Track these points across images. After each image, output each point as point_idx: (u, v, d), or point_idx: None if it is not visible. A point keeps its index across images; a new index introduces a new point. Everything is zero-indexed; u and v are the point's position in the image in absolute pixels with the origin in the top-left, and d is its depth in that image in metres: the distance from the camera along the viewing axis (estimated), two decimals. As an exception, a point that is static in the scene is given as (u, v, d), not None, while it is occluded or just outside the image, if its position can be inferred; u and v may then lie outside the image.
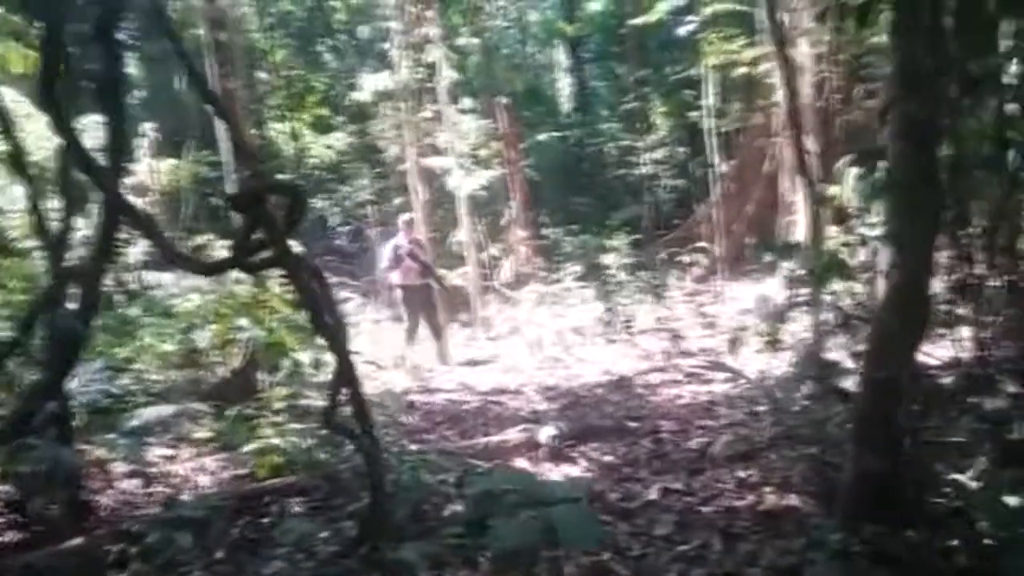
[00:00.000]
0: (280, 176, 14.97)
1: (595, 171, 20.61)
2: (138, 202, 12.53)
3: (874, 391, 3.16)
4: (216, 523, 4.39)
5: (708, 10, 12.87)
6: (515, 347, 10.29)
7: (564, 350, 9.71)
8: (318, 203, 20.27)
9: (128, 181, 12.89)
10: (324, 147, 19.11)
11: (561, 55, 25.11)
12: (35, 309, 2.88)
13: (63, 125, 2.73)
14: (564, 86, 25.45)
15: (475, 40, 14.93)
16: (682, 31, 14.01)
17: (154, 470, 5.54)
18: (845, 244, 5.57)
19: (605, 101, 23.60)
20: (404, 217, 10.36)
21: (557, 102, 24.85)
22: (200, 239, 8.41)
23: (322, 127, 20.52)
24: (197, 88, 3.02)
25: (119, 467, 5.58)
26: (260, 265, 3.17)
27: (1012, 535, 2.99)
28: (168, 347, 7.66)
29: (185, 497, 5.24)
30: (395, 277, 9.63)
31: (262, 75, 20.57)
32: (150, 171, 12.92)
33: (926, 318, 3.12)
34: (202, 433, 6.19)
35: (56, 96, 2.73)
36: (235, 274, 8.19)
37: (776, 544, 3.67)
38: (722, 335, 9.82)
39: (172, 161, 11.57)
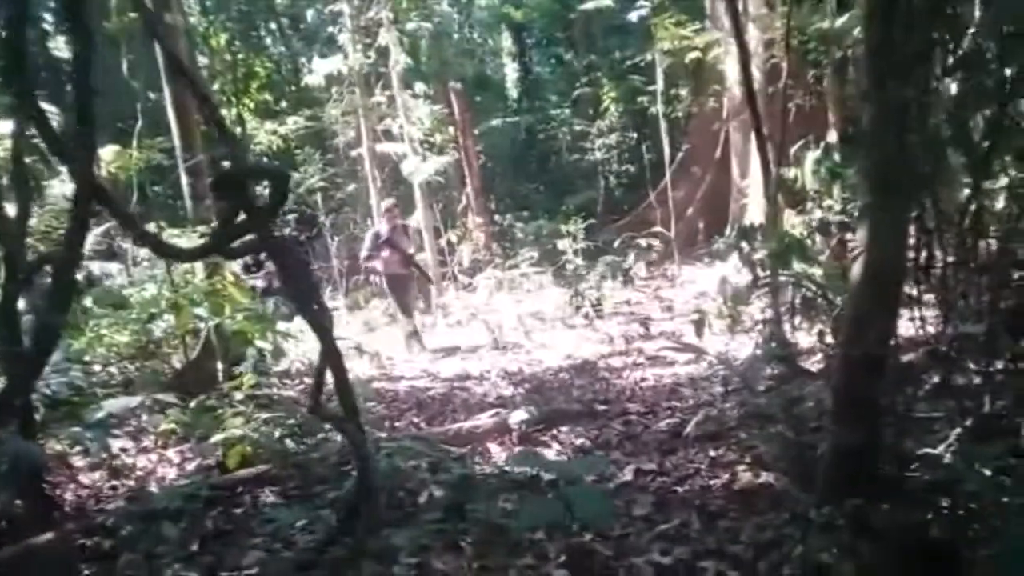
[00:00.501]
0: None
1: (546, 157, 20.65)
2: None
3: (851, 367, 3.23)
4: (189, 514, 4.34)
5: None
6: (475, 333, 10.28)
7: (525, 335, 9.74)
8: (265, 191, 19.94)
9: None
10: (269, 133, 18.77)
11: (507, 41, 25.02)
12: (8, 296, 2.79)
13: (32, 108, 2.64)
14: (510, 72, 25.39)
15: (425, 24, 14.77)
16: (633, 16, 14.05)
17: (118, 462, 5.43)
18: (808, 226, 5.68)
19: (552, 87, 23.62)
20: (385, 204, 10.24)
21: (504, 88, 24.80)
22: (150, 227, 8.18)
23: (267, 113, 20.16)
24: (174, 71, 2.94)
25: (80, 461, 5.47)
26: (243, 250, 3.11)
27: (985, 508, 3.10)
28: (123, 338, 7.50)
29: (154, 489, 5.15)
30: (378, 265, 9.52)
31: (202, 59, 20.09)
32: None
33: (900, 295, 3.21)
34: (165, 424, 6.07)
35: (24, 80, 2.64)
36: (186, 264, 8.08)
37: (754, 521, 3.74)
38: (680, 318, 9.98)
39: (115, 147, 11.27)
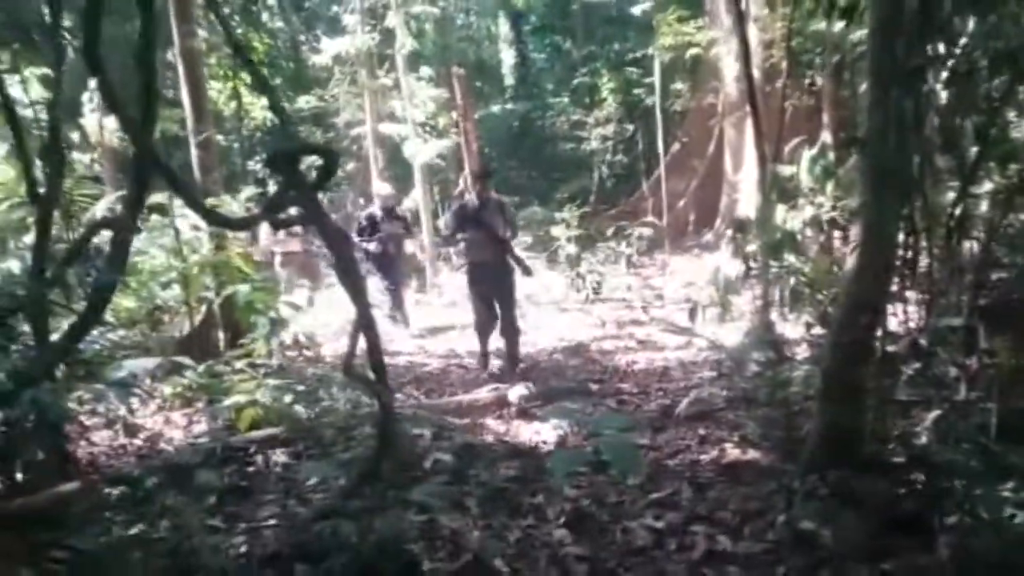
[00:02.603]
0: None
1: (542, 144, 20.87)
2: (85, 159, 12.33)
3: (840, 352, 3.51)
4: (206, 470, 4.58)
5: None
6: (469, 314, 10.49)
7: (519, 317, 9.98)
8: (258, 166, 20.10)
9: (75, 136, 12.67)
10: (264, 109, 18.80)
11: (504, 27, 25.16)
12: (66, 258, 3.01)
13: (103, 78, 2.86)
14: (507, 59, 25.55)
15: (431, 8, 14.94)
16: (636, 10, 14.28)
17: (131, 421, 5.64)
18: (802, 222, 5.94)
19: (548, 75, 23.82)
20: (384, 190, 10.31)
21: (501, 75, 24.98)
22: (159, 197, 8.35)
23: (263, 88, 20.18)
24: (235, 52, 3.12)
25: (88, 420, 5.67)
26: (290, 221, 3.33)
27: (953, 486, 3.40)
28: (130, 304, 7.68)
29: (166, 448, 5.38)
30: (372, 246, 9.60)
31: (202, 32, 20.08)
32: (99, 127, 12.71)
33: (889, 288, 3.49)
34: (170, 389, 6.29)
35: (97, 50, 2.85)
36: (191, 233, 8.27)
37: (741, 491, 4.02)
38: (671, 305, 10.28)
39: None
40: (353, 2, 13.06)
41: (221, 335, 7.72)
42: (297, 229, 10.38)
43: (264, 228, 10.30)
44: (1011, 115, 3.75)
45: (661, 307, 10.39)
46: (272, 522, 3.98)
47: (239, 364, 6.21)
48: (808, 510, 3.30)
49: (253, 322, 6.40)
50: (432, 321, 10.40)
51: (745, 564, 3.34)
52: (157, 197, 8.28)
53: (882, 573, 3.03)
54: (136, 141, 2.89)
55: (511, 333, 7.29)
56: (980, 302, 3.87)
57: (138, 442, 5.62)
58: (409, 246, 10.64)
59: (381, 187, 10.63)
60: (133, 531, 3.69)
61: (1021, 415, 3.37)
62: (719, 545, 3.53)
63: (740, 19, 6.96)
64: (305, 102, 15.42)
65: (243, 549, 3.63)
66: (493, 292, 7.19)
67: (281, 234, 10.48)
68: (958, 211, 3.47)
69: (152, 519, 3.87)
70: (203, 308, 7.64)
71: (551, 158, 20.51)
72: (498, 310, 7.22)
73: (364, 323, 2.96)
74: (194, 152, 8.16)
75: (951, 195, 3.63)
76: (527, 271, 7.43)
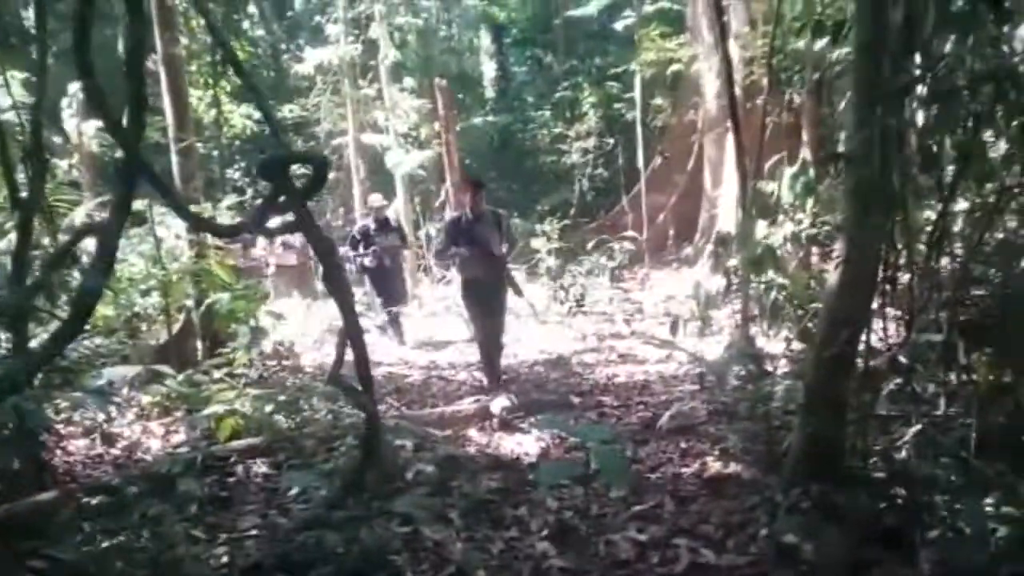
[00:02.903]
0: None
1: (523, 157, 20.94)
2: (63, 164, 12.23)
3: (823, 367, 3.55)
4: (186, 480, 4.54)
5: (649, 7, 13.26)
6: (449, 325, 10.49)
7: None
8: (235, 174, 20.02)
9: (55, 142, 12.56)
10: (244, 117, 18.67)
11: (485, 40, 25.26)
12: (51, 264, 2.98)
13: (94, 90, 2.85)
14: (488, 71, 25.64)
15: (413, 20, 14.99)
16: (619, 25, 14.39)
17: (109, 430, 5.58)
18: (784, 238, 5.99)
19: (529, 89, 23.91)
20: (372, 199, 10.16)
21: (484, 87, 25.06)
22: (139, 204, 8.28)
23: (244, 97, 20.12)
24: (227, 61, 3.12)
25: (63, 428, 5.60)
26: (280, 230, 3.32)
27: (934, 500, 3.45)
28: (108, 311, 7.61)
29: (145, 458, 5.33)
30: (367, 260, 9.34)
31: (183, 40, 19.97)
32: (77, 132, 12.62)
33: (871, 304, 3.54)
34: (149, 398, 6.23)
35: (87, 53, 2.84)
36: (172, 241, 8.22)
37: (723, 504, 4.05)
38: (651, 319, 10.33)
39: (97, 123, 11.27)
40: (336, 12, 13.07)
41: (199, 344, 7.67)
42: (294, 241, 10.19)
43: (260, 237, 10.15)
44: (989, 135, 3.82)
45: (641, 320, 10.44)
46: (253, 532, 3.96)
47: (218, 374, 6.17)
48: (791, 524, 3.32)
49: (233, 331, 6.35)
50: (412, 333, 10.34)
51: (729, 576, 3.36)
52: (136, 204, 8.28)
53: (864, 586, 3.07)
54: (124, 147, 2.88)
55: (498, 347, 7.20)
56: (959, 318, 3.92)
57: (115, 452, 5.57)
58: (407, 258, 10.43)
59: (374, 198, 10.39)
60: (114, 541, 3.63)
61: (1000, 430, 3.42)
62: (702, 558, 3.54)
63: (723, 35, 7.04)
64: (289, 111, 15.35)
65: (224, 560, 3.61)
66: (486, 304, 6.95)
67: (278, 245, 10.30)
68: (938, 229, 3.52)
69: (133, 529, 3.84)
70: (181, 317, 7.59)
71: (532, 171, 20.57)
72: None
73: (351, 333, 2.95)
74: (175, 159, 8.12)
75: (931, 213, 3.68)
76: (518, 291, 7.30)
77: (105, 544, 3.66)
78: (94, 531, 3.83)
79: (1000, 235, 4.03)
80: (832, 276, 3.49)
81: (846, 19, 3.61)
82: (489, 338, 7.00)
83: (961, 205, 4.14)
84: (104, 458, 5.44)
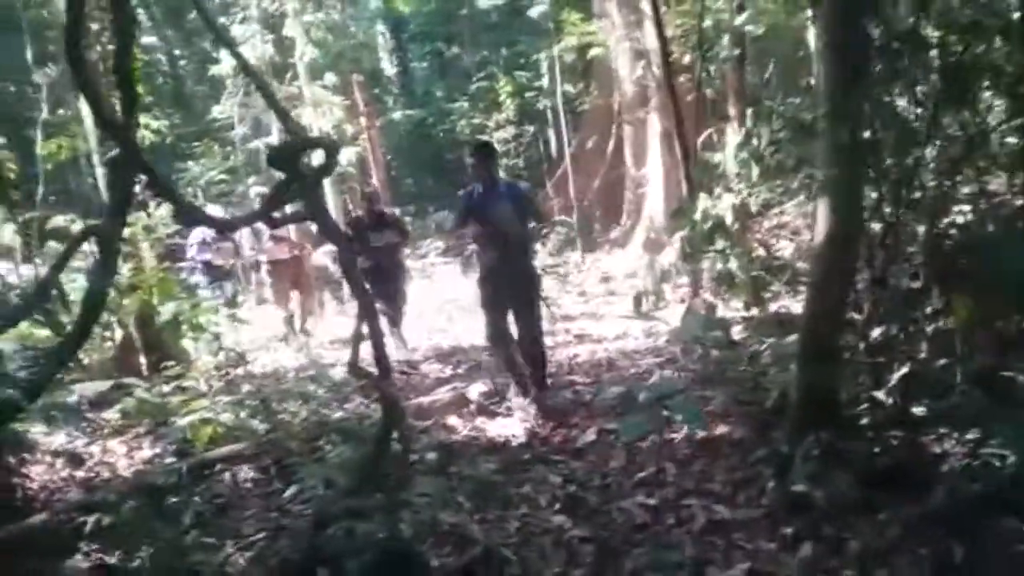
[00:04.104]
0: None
1: (441, 150, 20.90)
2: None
3: (817, 321, 3.69)
4: (175, 492, 4.41)
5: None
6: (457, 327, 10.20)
7: (447, 320, 9.98)
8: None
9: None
10: (142, 127, 17.96)
11: (382, 36, 25.00)
12: (50, 270, 2.85)
13: (88, 88, 2.75)
14: (388, 67, 25.40)
15: (324, 16, 14.75)
16: (534, 12, 14.49)
17: (76, 450, 5.36)
18: (732, 208, 6.16)
19: (437, 81, 23.77)
20: (368, 190, 9.29)
21: (388, 83, 24.85)
22: (62, 219, 7.91)
23: (141, 105, 19.45)
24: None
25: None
26: (290, 219, 3.25)
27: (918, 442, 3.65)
28: (45, 331, 7.27)
29: (120, 476, 5.14)
30: (360, 260, 7.82)
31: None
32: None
33: (858, 255, 3.70)
34: (110, 414, 6.00)
35: (79, 51, 2.75)
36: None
37: (722, 463, 4.18)
38: (594, 300, 10.50)
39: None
40: (249, 11, 12.75)
41: (143, 359, 7.37)
42: (282, 233, 9.29)
43: (247, 235, 9.52)
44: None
45: (585, 303, 10.57)
46: (263, 534, 3.89)
47: (167, 388, 5.95)
48: (804, 472, 3.45)
49: (179, 345, 6.15)
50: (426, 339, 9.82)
51: (747, 530, 3.47)
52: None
53: (880, 523, 3.21)
54: (121, 145, 2.78)
55: (535, 352, 5.93)
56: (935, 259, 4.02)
57: (81, 473, 5.35)
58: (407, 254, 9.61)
59: (367, 188, 9.60)
60: (127, 556, 3.51)
61: (986, 370, 3.62)
62: (717, 515, 3.65)
63: (659, 23, 7.17)
64: (219, 112, 14.90)
65: (241, 563, 3.53)
66: (508, 299, 5.78)
67: (267, 240, 9.42)
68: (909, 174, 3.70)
69: (139, 543, 3.71)
70: (119, 332, 7.29)
71: (452, 164, 20.53)
72: (512, 321, 5.82)
73: (367, 320, 2.93)
74: (100, 171, 7.84)
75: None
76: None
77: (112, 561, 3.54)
78: (98, 550, 3.70)
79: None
80: (819, 230, 3.62)
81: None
82: (503, 334, 5.82)
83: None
84: (74, 479, 5.22)
